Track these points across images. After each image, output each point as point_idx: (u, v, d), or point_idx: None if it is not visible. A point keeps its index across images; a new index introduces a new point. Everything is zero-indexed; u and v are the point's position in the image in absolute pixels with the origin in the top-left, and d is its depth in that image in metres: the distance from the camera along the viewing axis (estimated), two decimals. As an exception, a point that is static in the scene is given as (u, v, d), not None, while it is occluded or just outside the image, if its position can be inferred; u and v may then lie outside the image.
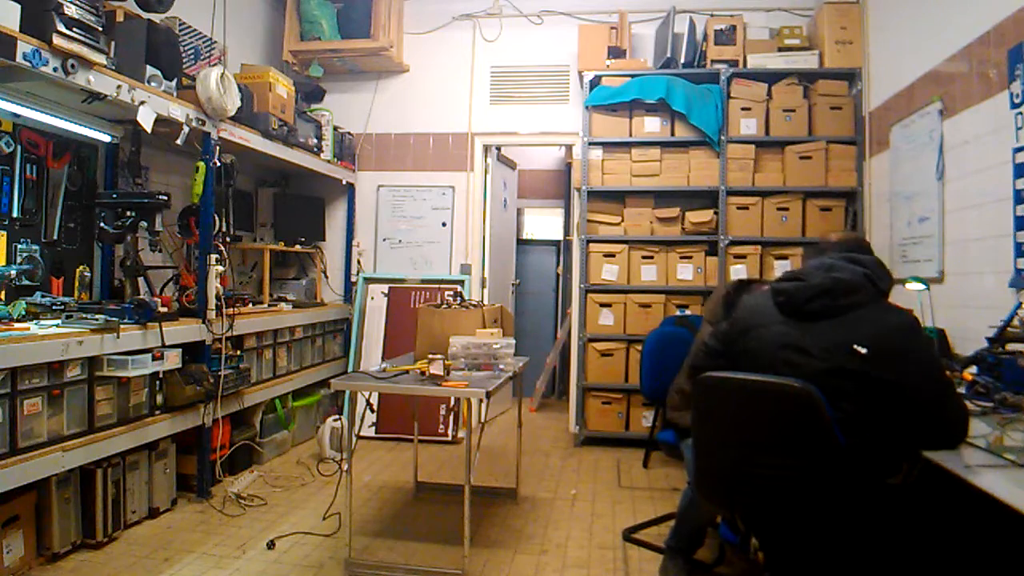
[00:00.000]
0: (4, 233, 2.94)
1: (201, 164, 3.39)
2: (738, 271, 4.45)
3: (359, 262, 5.28)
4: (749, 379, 1.77)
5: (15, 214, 2.99)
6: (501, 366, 2.94)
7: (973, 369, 2.33)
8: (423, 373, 2.75)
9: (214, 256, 3.39)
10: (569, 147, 5.47)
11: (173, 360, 3.08)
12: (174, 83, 3.23)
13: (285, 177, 5.10)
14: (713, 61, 4.57)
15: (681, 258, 4.55)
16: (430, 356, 2.81)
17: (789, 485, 1.72)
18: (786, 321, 1.82)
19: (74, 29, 2.49)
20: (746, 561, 2.63)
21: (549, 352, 5.93)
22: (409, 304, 4.95)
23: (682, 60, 4.61)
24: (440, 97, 5.23)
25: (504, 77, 5.18)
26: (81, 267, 3.32)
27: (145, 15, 3.27)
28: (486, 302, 4.65)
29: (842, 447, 1.64)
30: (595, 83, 4.68)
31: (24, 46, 2.33)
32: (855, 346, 1.67)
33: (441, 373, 2.69)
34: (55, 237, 3.20)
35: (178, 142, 3.24)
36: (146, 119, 2.94)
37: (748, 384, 1.77)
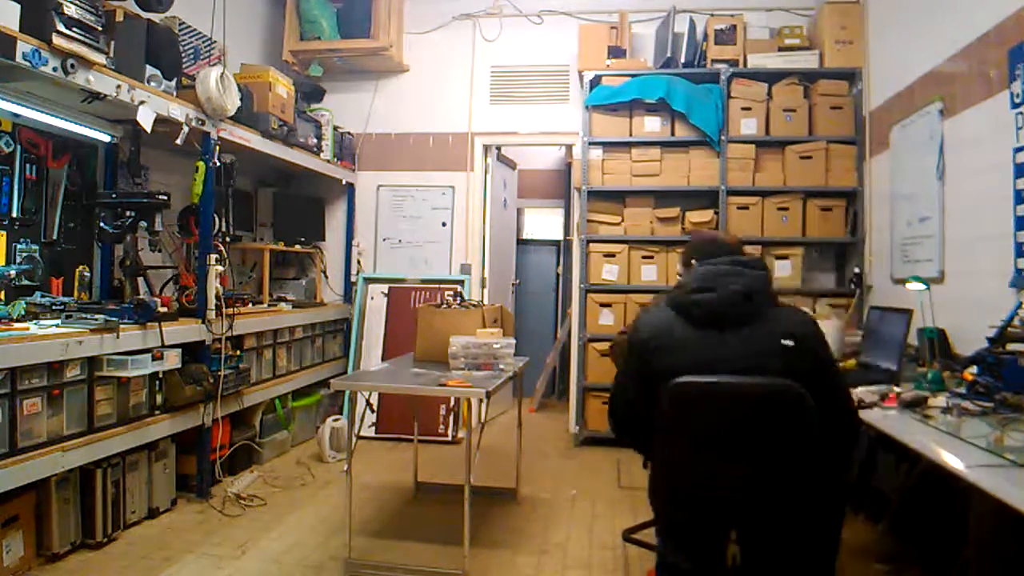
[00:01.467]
0: (4, 233, 2.94)
1: (201, 164, 3.38)
2: (738, 271, 4.44)
3: (359, 262, 5.28)
4: (732, 382, 1.72)
5: (15, 214, 2.99)
6: (501, 366, 2.94)
7: (973, 369, 2.32)
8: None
9: (214, 256, 3.39)
10: (569, 147, 5.46)
11: (173, 360, 3.08)
12: (174, 83, 3.23)
13: (285, 177, 5.10)
14: (713, 61, 4.57)
15: (681, 258, 4.55)
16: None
17: (774, 490, 1.70)
18: (702, 333, 1.79)
19: (74, 29, 2.49)
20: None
21: (549, 352, 5.93)
22: (409, 304, 4.94)
23: (682, 60, 4.61)
24: (440, 97, 5.22)
25: (504, 77, 5.18)
26: (81, 267, 3.31)
27: (145, 15, 3.27)
28: (486, 302, 4.65)
29: (822, 445, 1.68)
30: (595, 83, 4.68)
31: (24, 46, 2.33)
32: (782, 340, 1.74)
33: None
34: (55, 237, 3.20)
35: (178, 142, 3.24)
36: (146, 119, 2.94)
37: (729, 387, 1.72)
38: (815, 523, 1.74)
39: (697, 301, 1.82)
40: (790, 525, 1.73)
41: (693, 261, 2.07)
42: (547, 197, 6.63)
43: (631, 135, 4.62)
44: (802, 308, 1.94)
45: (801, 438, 1.67)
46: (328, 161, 4.84)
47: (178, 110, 3.18)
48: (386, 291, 5.08)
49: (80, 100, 2.84)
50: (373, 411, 4.48)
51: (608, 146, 4.65)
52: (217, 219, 3.47)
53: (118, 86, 2.79)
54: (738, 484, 1.73)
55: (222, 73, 3.35)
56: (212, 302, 3.36)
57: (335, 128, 4.97)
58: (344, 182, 5.17)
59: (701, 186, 4.52)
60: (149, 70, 3.06)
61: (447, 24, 5.22)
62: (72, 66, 2.52)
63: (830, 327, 2.98)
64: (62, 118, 3.05)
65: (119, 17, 3.05)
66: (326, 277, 5.24)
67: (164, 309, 3.18)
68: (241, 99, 3.53)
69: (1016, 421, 1.90)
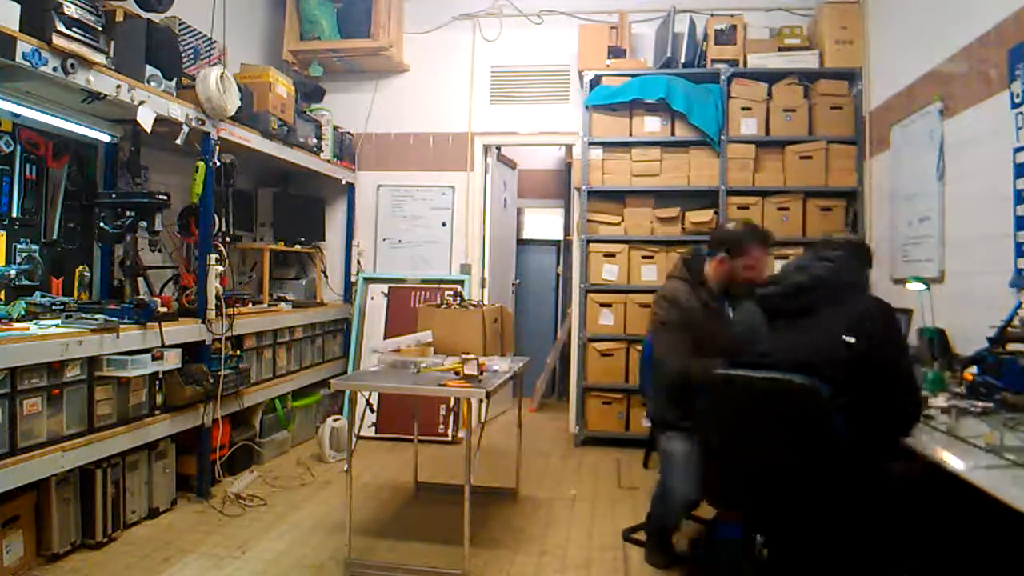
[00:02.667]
0: (4, 233, 2.94)
1: (201, 164, 3.38)
2: (738, 271, 4.44)
3: (359, 262, 5.28)
4: (755, 376, 1.84)
5: (15, 214, 2.98)
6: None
7: (973, 369, 2.32)
8: (457, 373, 2.74)
9: (214, 256, 3.39)
10: (569, 147, 5.46)
11: (173, 360, 3.08)
12: (174, 83, 3.22)
13: (285, 177, 5.09)
14: (713, 61, 4.57)
15: (681, 258, 4.55)
16: (463, 356, 2.80)
17: (794, 480, 1.77)
18: (771, 324, 1.95)
19: (74, 29, 2.48)
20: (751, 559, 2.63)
21: (549, 352, 5.93)
22: (409, 304, 4.94)
23: (682, 60, 4.61)
24: (440, 97, 5.22)
25: (504, 77, 5.18)
26: (81, 267, 3.31)
27: (145, 15, 3.27)
28: (486, 302, 4.65)
29: (843, 440, 1.70)
30: (595, 83, 4.68)
31: (24, 46, 2.33)
32: (844, 336, 1.77)
33: (475, 374, 2.69)
34: (55, 237, 3.20)
35: (178, 142, 3.24)
36: (146, 119, 2.94)
37: (754, 382, 1.84)
38: (833, 514, 1.76)
39: (765, 297, 1.98)
40: (801, 514, 1.79)
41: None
42: (547, 197, 6.63)
43: (631, 135, 4.62)
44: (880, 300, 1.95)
45: (815, 432, 1.73)
46: (328, 161, 4.84)
47: (178, 110, 3.18)
48: (386, 291, 5.08)
49: (80, 100, 2.84)
50: (373, 411, 4.47)
51: (608, 146, 4.65)
52: (217, 219, 3.47)
53: (118, 86, 2.79)
54: (752, 474, 1.86)
55: (222, 73, 3.35)
56: (212, 302, 3.36)
57: (335, 128, 4.97)
58: (344, 182, 5.17)
59: (701, 186, 4.52)
60: (149, 70, 3.06)
61: (447, 24, 5.21)
62: (72, 66, 2.52)
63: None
64: (62, 118, 3.05)
65: (119, 17, 3.05)
66: (326, 277, 5.24)
67: (164, 309, 3.18)
68: (241, 99, 3.53)
69: (1016, 421, 1.90)
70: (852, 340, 1.77)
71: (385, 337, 4.92)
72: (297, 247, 4.83)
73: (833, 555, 1.79)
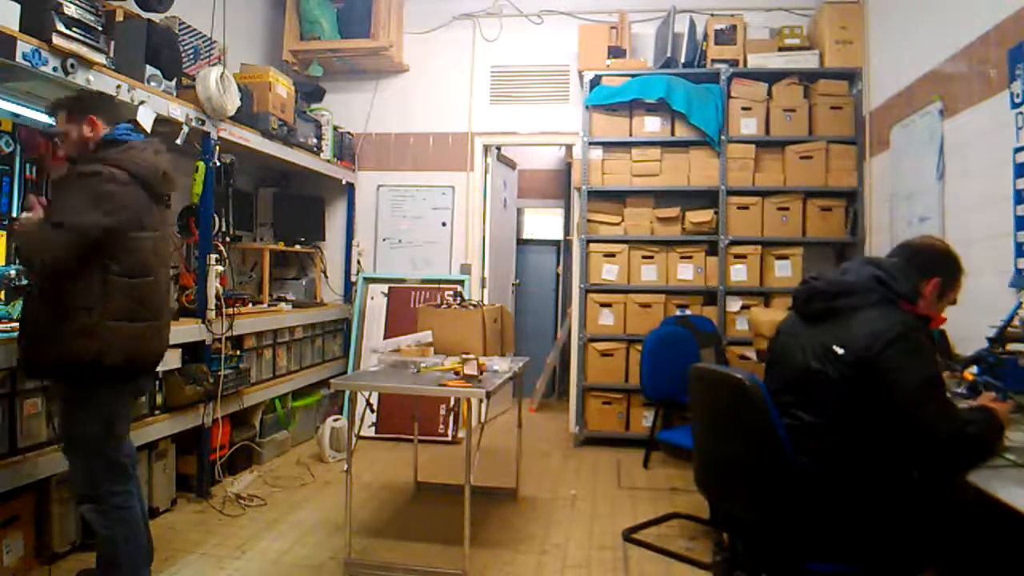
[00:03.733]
0: (4, 233, 2.94)
1: (201, 164, 3.38)
2: (738, 271, 4.45)
3: (359, 262, 5.28)
4: (709, 370, 1.97)
5: (15, 214, 2.98)
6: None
7: (973, 369, 2.32)
8: (457, 373, 2.74)
9: (214, 256, 3.39)
10: (569, 147, 5.46)
11: (173, 360, 3.08)
12: (174, 83, 3.22)
13: (285, 177, 5.09)
14: (713, 61, 4.57)
15: (681, 258, 4.55)
16: (463, 356, 2.80)
17: (741, 472, 1.82)
18: (795, 322, 1.92)
19: (74, 29, 2.49)
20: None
21: (549, 352, 5.93)
22: (409, 304, 4.94)
23: (682, 60, 4.61)
24: (440, 97, 5.22)
25: (504, 77, 5.18)
26: (81, 267, 3.31)
27: (145, 15, 3.27)
28: (486, 302, 4.65)
29: (780, 438, 1.69)
30: (595, 83, 4.68)
31: (24, 46, 2.33)
32: (834, 346, 1.69)
33: (475, 374, 2.69)
34: (55, 237, 3.19)
35: (178, 142, 3.23)
36: (146, 119, 2.94)
37: (707, 375, 1.96)
38: (786, 518, 1.73)
39: (794, 293, 1.96)
40: (754, 506, 1.81)
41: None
42: (547, 197, 6.63)
43: (631, 135, 4.62)
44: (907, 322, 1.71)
45: (754, 426, 1.73)
46: (328, 161, 4.84)
47: (178, 110, 3.18)
48: (386, 291, 5.08)
49: (80, 100, 2.84)
50: (373, 411, 4.47)
51: (608, 146, 4.65)
52: (217, 219, 3.47)
53: (118, 86, 2.79)
54: (716, 458, 1.94)
55: (222, 73, 3.35)
56: (212, 302, 3.36)
57: (335, 128, 4.97)
58: (344, 182, 5.17)
59: (701, 186, 4.52)
60: (149, 70, 3.06)
61: (447, 24, 5.21)
62: (72, 66, 2.52)
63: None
64: (62, 118, 3.04)
65: (119, 17, 3.05)
66: (326, 277, 5.24)
67: (164, 309, 3.18)
68: (241, 99, 3.53)
69: (1016, 421, 1.90)
70: (840, 351, 1.67)
71: (385, 337, 4.92)
72: (297, 247, 4.83)
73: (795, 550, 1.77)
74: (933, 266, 1.91)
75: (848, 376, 1.66)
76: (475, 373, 2.69)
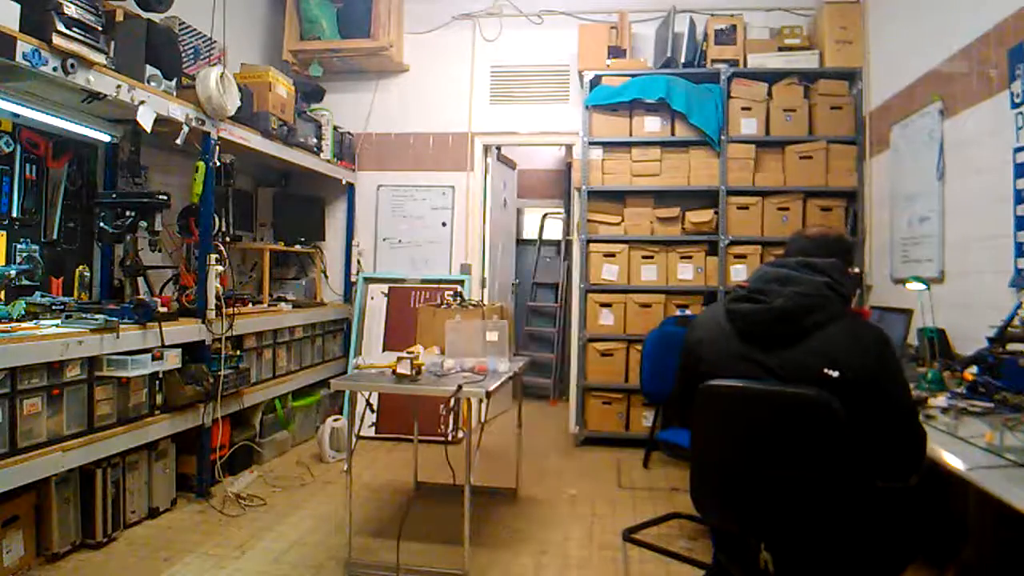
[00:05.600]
0: (4, 233, 2.94)
1: (201, 164, 3.38)
2: (738, 271, 4.45)
3: (359, 262, 5.28)
4: (763, 389, 1.59)
5: (15, 214, 2.99)
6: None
7: (973, 369, 2.32)
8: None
9: (214, 256, 3.39)
10: (569, 147, 5.46)
11: (173, 360, 3.08)
12: (174, 83, 3.22)
13: (285, 177, 5.10)
14: (713, 61, 4.57)
15: (681, 258, 4.55)
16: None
17: (802, 496, 1.58)
18: (745, 348, 1.64)
19: (74, 29, 2.48)
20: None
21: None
22: (409, 304, 4.94)
23: (682, 60, 4.61)
24: (440, 97, 5.22)
25: (504, 77, 5.18)
26: (81, 267, 3.32)
27: (145, 15, 3.27)
28: (486, 302, 4.65)
29: (856, 459, 1.51)
30: (595, 83, 4.68)
31: (24, 46, 2.33)
32: (825, 370, 1.51)
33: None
34: (55, 237, 3.20)
35: (178, 142, 3.24)
36: (146, 119, 2.94)
37: (760, 393, 1.60)
38: (844, 536, 1.58)
39: (736, 312, 1.65)
40: (814, 536, 1.59)
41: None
42: (547, 197, 6.62)
43: (631, 135, 4.62)
44: (879, 330, 1.62)
45: (825, 449, 1.52)
46: (328, 161, 4.84)
47: (178, 110, 3.18)
48: (386, 291, 5.07)
49: (80, 100, 2.84)
50: (373, 411, 4.47)
51: (608, 146, 4.65)
52: (217, 219, 3.47)
53: (118, 86, 2.79)
54: (761, 489, 1.62)
55: (222, 73, 3.35)
56: (212, 302, 3.36)
57: (335, 128, 4.97)
58: (344, 182, 5.17)
59: (701, 186, 4.52)
60: (149, 70, 3.06)
61: (447, 24, 5.21)
62: (72, 66, 2.52)
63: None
64: (62, 118, 3.05)
65: (119, 17, 3.06)
66: (326, 277, 5.24)
67: (164, 309, 3.18)
68: (241, 99, 3.53)
69: (1016, 421, 1.90)
70: (834, 373, 1.51)
71: (385, 337, 4.93)
72: (297, 247, 4.83)
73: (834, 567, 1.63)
74: (845, 256, 1.77)
75: (846, 396, 1.50)
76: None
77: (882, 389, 1.53)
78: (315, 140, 4.64)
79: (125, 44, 2.99)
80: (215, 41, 4.10)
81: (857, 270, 4.06)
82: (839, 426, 1.48)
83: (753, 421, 1.61)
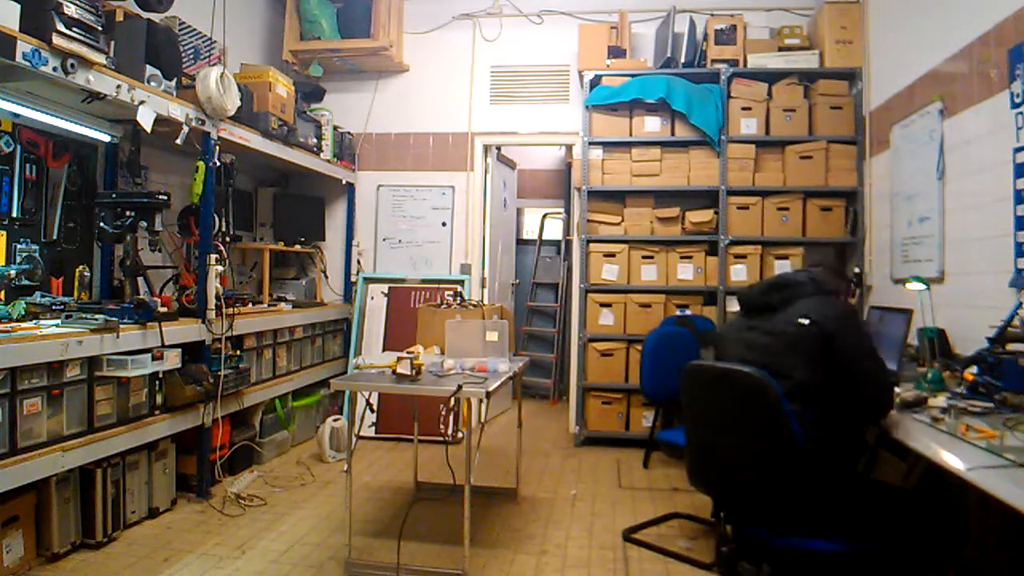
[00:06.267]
0: (4, 233, 2.94)
1: (201, 164, 3.38)
2: (738, 271, 4.45)
3: (359, 262, 5.28)
4: (716, 367, 2.10)
5: (15, 214, 2.99)
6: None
7: (973, 369, 2.32)
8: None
9: (214, 256, 3.39)
10: (569, 147, 5.46)
11: (173, 360, 3.07)
12: (174, 83, 3.22)
13: (285, 177, 5.10)
14: (713, 61, 4.57)
15: (681, 258, 4.55)
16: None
17: (748, 464, 1.97)
18: (743, 322, 2.22)
19: (74, 29, 2.48)
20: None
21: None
22: (409, 304, 4.94)
23: (682, 60, 4.61)
24: (440, 97, 5.22)
25: (504, 77, 5.18)
26: (81, 267, 3.32)
27: (145, 15, 3.27)
28: (486, 302, 4.65)
29: (794, 431, 1.87)
30: (595, 83, 4.68)
31: (24, 46, 2.33)
32: (799, 320, 2.01)
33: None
34: (55, 237, 3.20)
35: (178, 142, 3.24)
36: (146, 119, 2.94)
37: (713, 371, 2.09)
38: (788, 507, 1.92)
39: (741, 294, 2.28)
40: (757, 497, 1.97)
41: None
42: (547, 197, 6.62)
43: (631, 135, 4.62)
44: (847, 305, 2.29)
45: (766, 420, 1.90)
46: (328, 161, 4.84)
47: (178, 110, 3.18)
48: (386, 291, 5.07)
49: (80, 100, 2.84)
50: (373, 411, 4.48)
51: (608, 146, 4.65)
52: (217, 219, 3.47)
53: (118, 86, 2.79)
54: (721, 458, 2.07)
55: (222, 73, 3.35)
56: (212, 302, 3.36)
57: (335, 128, 4.97)
58: (344, 182, 5.17)
59: (701, 186, 4.52)
60: (149, 70, 3.06)
61: (447, 24, 5.21)
62: (72, 66, 2.52)
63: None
64: (62, 118, 3.05)
65: (119, 17, 3.06)
66: (326, 277, 5.24)
67: (164, 309, 3.18)
68: (241, 99, 3.53)
69: (1016, 421, 1.90)
70: (806, 321, 1.99)
71: (384, 337, 4.93)
72: (297, 247, 4.82)
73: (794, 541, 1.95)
74: (834, 265, 2.54)
75: (814, 336, 1.97)
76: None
77: (837, 341, 1.97)
78: (315, 140, 4.64)
79: (125, 44, 2.99)
80: (215, 41, 4.10)
81: (857, 270, 4.08)
82: (774, 402, 1.88)
83: (715, 397, 2.09)
